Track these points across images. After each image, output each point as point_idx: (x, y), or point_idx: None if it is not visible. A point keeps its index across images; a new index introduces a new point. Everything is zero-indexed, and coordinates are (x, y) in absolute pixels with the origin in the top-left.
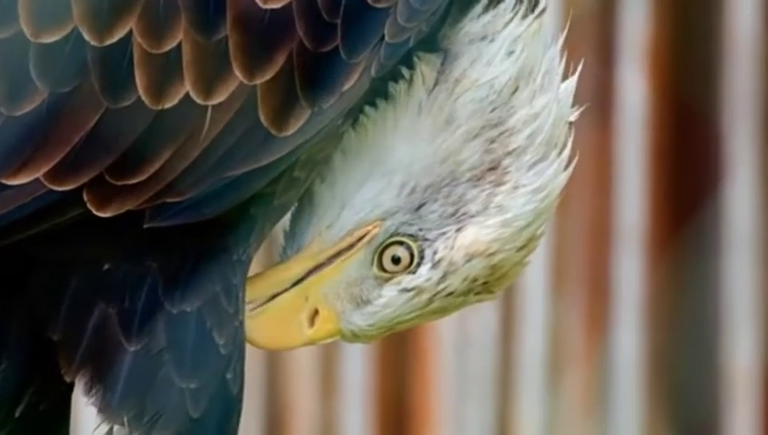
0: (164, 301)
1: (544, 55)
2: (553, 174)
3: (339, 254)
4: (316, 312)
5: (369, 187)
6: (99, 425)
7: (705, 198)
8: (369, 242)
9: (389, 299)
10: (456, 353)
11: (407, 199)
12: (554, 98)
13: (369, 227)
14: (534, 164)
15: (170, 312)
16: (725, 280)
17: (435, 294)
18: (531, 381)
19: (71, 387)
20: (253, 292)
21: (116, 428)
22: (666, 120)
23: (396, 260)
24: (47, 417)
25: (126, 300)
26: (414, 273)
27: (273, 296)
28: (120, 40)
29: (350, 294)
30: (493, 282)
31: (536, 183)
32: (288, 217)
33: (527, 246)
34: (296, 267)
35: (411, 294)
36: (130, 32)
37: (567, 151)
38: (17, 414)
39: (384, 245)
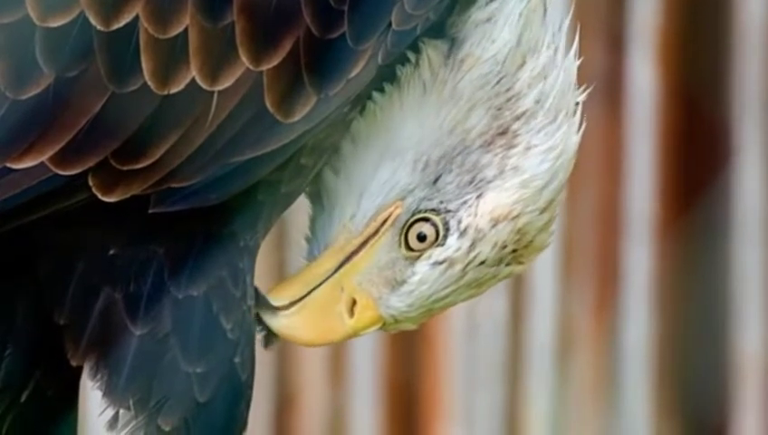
0: (170, 285)
1: (547, 30)
2: (564, 135)
3: (366, 242)
4: (354, 302)
5: (382, 170)
6: (104, 409)
7: (713, 184)
8: (394, 223)
9: (423, 275)
10: (466, 340)
11: (422, 175)
12: (560, 64)
13: (391, 209)
14: (544, 127)
15: (176, 296)
16: (734, 265)
17: (467, 264)
18: (540, 368)
19: (79, 373)
20: (288, 292)
21: (122, 412)
22: (674, 107)
23: (421, 238)
24: (55, 402)
25: (132, 284)
26: (443, 245)
27: (309, 293)
28: (127, 25)
29: (383, 278)
30: (521, 250)
31: (548, 143)
32: (306, 216)
33: (549, 209)
34: (327, 263)
35: (444, 266)
36: (137, 17)
37: (577, 117)
38: (23, 399)
39: (408, 224)
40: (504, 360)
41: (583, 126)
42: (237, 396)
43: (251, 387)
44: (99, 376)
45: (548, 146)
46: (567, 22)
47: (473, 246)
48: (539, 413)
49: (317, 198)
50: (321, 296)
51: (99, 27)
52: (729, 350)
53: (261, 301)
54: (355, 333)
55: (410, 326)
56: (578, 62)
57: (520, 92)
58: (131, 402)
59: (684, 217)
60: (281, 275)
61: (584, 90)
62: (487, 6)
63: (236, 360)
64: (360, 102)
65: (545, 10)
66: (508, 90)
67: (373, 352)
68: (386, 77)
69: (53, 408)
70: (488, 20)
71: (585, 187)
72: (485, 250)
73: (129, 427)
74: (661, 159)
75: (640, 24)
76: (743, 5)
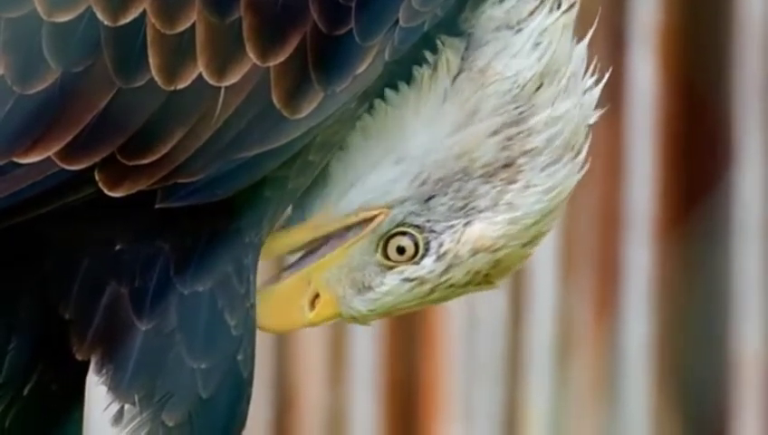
0: (176, 281)
1: (571, 55)
2: (565, 176)
3: (341, 233)
4: (317, 295)
5: (382, 171)
6: (109, 404)
7: (714, 184)
8: (375, 229)
9: (391, 287)
10: (466, 338)
11: (417, 190)
12: (577, 103)
13: (375, 212)
14: (548, 165)
15: (182, 292)
16: (734, 265)
17: (436, 286)
18: (540, 366)
19: (84, 369)
20: None
21: (126, 407)
22: (676, 106)
23: (400, 250)
24: (59, 397)
25: (138, 280)
26: (418, 264)
27: (278, 278)
28: (134, 20)
29: (351, 280)
30: (493, 274)
31: (547, 184)
32: None
33: (532, 243)
34: (297, 236)
35: (413, 284)
36: (144, 12)
37: (583, 154)
38: (26, 393)
39: (390, 233)
40: (503, 358)
41: (588, 163)
42: (239, 393)
43: (251, 384)
44: (104, 371)
45: (547, 187)
46: (587, 40)
47: (447, 270)
48: (538, 411)
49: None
50: (288, 287)
51: (106, 22)
52: (729, 350)
53: None
54: (310, 326)
55: (364, 323)
56: (597, 96)
57: (533, 128)
58: (136, 398)
59: (684, 217)
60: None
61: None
62: (502, 4)
63: (239, 357)
64: (369, 99)
65: (570, 31)
66: (522, 121)
67: (373, 348)
68: (399, 75)
69: (58, 403)
70: (509, 27)
71: (586, 186)
72: (458, 275)
73: (134, 422)
74: (662, 157)
75: (641, 22)
76: (743, 2)
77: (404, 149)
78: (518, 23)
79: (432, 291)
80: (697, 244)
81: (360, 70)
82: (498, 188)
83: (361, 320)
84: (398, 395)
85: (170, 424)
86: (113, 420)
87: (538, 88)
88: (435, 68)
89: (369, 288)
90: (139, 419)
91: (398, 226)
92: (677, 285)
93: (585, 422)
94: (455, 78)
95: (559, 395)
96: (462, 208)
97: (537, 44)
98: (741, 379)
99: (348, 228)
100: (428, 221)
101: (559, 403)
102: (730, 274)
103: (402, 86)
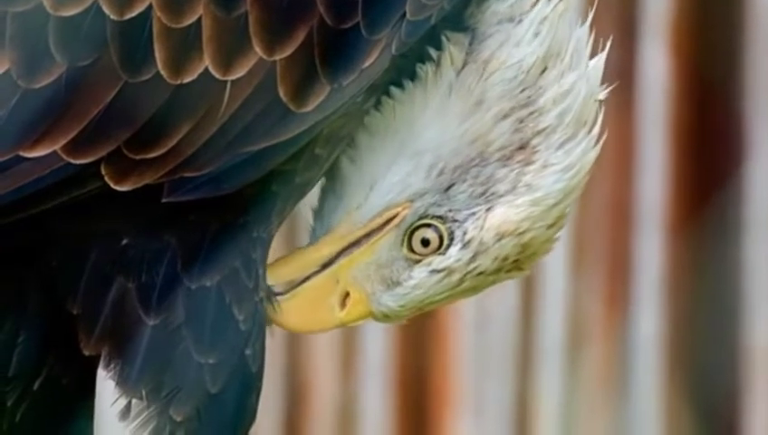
0: (183, 276)
1: (571, 35)
2: (582, 152)
3: (368, 235)
4: (347, 294)
5: (397, 168)
6: (117, 399)
7: (726, 178)
8: (399, 224)
9: (420, 280)
10: (476, 332)
11: (435, 181)
12: (583, 76)
13: (399, 209)
14: (563, 143)
15: (189, 287)
16: (745, 259)
17: (465, 274)
18: (550, 360)
19: (95, 363)
20: (282, 273)
21: (134, 402)
22: (688, 99)
23: (425, 242)
24: (69, 391)
25: (145, 275)
26: (444, 254)
27: (305, 279)
28: (140, 14)
29: (380, 276)
30: (523, 259)
31: (565, 162)
32: (316, 197)
33: (557, 224)
34: (325, 248)
35: (442, 275)
36: (150, 6)
37: (596, 129)
38: (36, 387)
39: (413, 227)
40: (514, 352)
41: (603, 137)
42: (248, 388)
43: (261, 379)
44: (111, 366)
45: (565, 165)
46: (589, 21)
47: (474, 258)
48: (549, 406)
49: (330, 181)
50: (315, 286)
51: (112, 16)
52: (739, 344)
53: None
54: (342, 325)
55: (398, 321)
56: (602, 67)
57: (543, 107)
58: (144, 392)
59: (695, 211)
60: None
61: (605, 88)
62: None
63: (248, 352)
64: (375, 93)
65: (570, 13)
66: (531, 103)
67: (384, 343)
68: (405, 72)
69: (68, 397)
70: (511, 19)
71: (597, 180)
72: (486, 263)
73: (142, 417)
74: (673, 151)
75: (653, 15)
76: None
77: (417, 144)
78: (520, 15)
79: (462, 281)
80: (708, 238)
81: (367, 64)
82: (516, 171)
83: (393, 317)
84: (409, 390)
85: (178, 419)
86: (121, 414)
87: (543, 71)
88: (439, 63)
89: (398, 283)
90: (146, 413)
91: (420, 218)
92: (688, 280)
93: (596, 417)
94: (459, 72)
95: (570, 390)
96: (482, 194)
97: (537, 33)
98: (751, 372)
99: (374, 231)
100: (450, 211)
101: (570, 398)
102: (741, 268)
103: (407, 83)
